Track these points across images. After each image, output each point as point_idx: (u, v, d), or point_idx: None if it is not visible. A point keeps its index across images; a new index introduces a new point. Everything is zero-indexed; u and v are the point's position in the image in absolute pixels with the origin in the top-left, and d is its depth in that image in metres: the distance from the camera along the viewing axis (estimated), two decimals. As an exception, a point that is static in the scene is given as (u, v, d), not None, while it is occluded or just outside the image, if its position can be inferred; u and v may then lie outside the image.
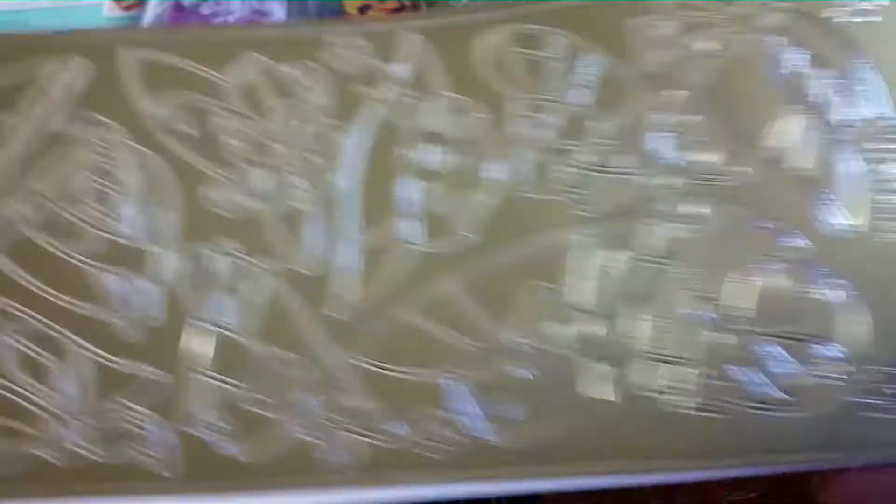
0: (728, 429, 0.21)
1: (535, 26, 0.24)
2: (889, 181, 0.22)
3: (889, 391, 0.21)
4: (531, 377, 0.21)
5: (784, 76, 0.24)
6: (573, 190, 0.23)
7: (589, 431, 0.21)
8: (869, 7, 0.24)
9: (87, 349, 0.22)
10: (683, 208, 0.22)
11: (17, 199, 0.23)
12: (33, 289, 0.22)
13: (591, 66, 0.24)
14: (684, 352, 0.21)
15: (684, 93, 0.23)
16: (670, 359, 0.21)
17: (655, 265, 0.22)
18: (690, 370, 0.21)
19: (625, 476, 0.21)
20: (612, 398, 0.21)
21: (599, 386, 0.21)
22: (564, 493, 0.26)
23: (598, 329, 0.21)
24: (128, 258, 0.23)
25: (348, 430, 0.21)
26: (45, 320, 0.22)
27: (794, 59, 0.24)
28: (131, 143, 0.24)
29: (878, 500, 0.21)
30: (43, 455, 0.21)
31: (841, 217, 0.22)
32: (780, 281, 0.22)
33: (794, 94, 0.23)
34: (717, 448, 0.21)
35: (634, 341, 0.21)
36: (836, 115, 0.23)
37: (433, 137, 0.23)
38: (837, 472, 0.22)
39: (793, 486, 0.24)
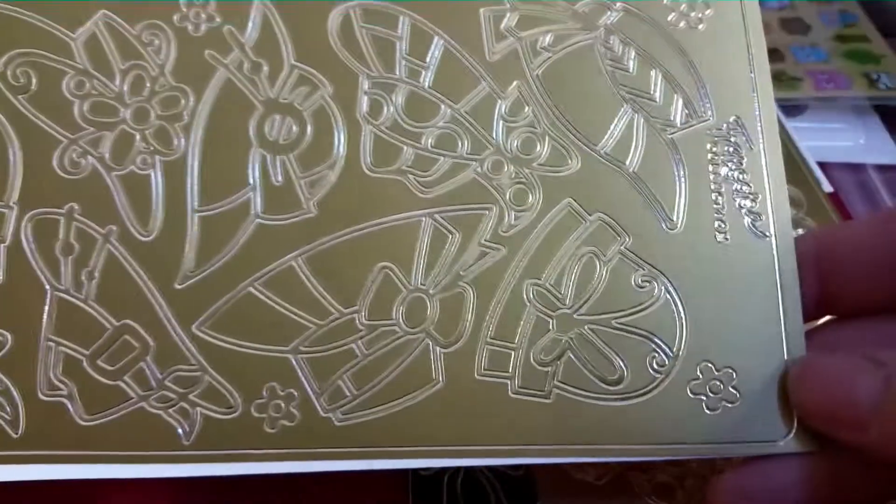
0: (549, 415, 0.22)
1: (386, 4, 0.25)
2: (708, 182, 0.24)
3: (707, 386, 0.23)
4: (361, 354, 0.22)
5: (612, 73, 0.25)
6: (412, 171, 0.24)
7: (412, 412, 0.22)
8: (695, 15, 0.26)
9: None
10: (512, 196, 0.24)
11: None
12: None
13: (436, 49, 0.25)
14: (506, 335, 0.23)
15: (517, 83, 0.25)
16: (492, 341, 0.23)
17: (484, 248, 0.23)
18: (512, 353, 0.23)
19: (439, 459, 0.22)
20: (436, 378, 0.22)
21: (424, 365, 0.22)
22: (566, 491, 0.27)
23: (427, 309, 0.23)
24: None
25: (184, 401, 0.22)
26: None
27: (622, 57, 0.25)
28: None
29: (763, 499, 0.22)
30: None
31: (660, 213, 0.24)
32: (599, 270, 0.23)
33: (620, 92, 0.25)
34: (535, 434, 0.22)
35: (460, 322, 0.23)
36: (660, 116, 0.25)
37: (278, 107, 0.24)
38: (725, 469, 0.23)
39: None
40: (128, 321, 0.22)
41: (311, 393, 0.22)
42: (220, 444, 0.22)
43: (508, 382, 0.22)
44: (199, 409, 0.22)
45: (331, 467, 0.22)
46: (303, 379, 0.22)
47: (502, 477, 0.34)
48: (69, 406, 0.22)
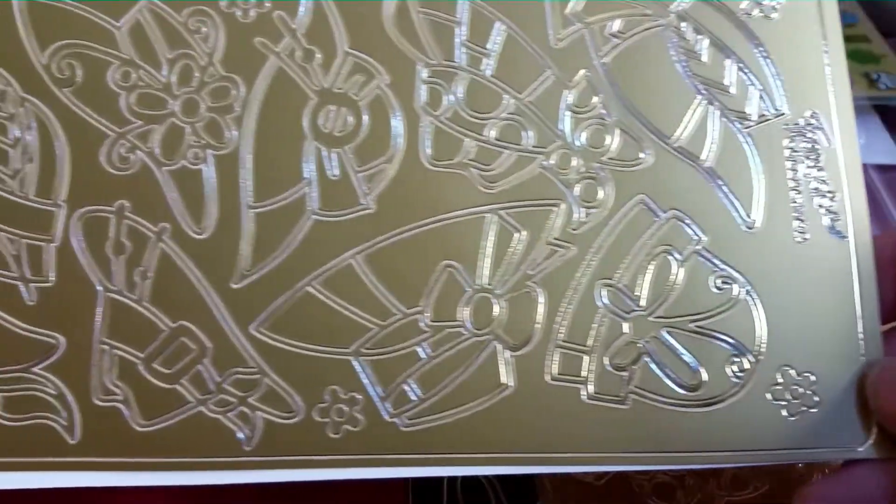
0: (624, 420, 0.22)
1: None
2: (785, 179, 0.23)
3: (788, 391, 0.22)
4: (426, 357, 0.22)
5: (684, 62, 0.24)
6: (474, 164, 0.23)
7: (481, 418, 0.21)
8: (769, 3, 0.24)
9: None
10: (582, 191, 0.23)
11: None
12: None
13: (497, 35, 0.23)
14: (578, 338, 0.22)
15: (584, 72, 0.23)
16: (564, 344, 0.22)
17: (552, 247, 0.22)
18: (585, 357, 0.22)
19: (516, 466, 0.21)
20: (506, 381, 0.22)
21: (493, 368, 0.22)
22: (566, 491, 0.27)
23: (494, 309, 0.22)
24: (20, 217, 0.21)
25: (244, 405, 0.21)
26: None
27: (695, 46, 0.24)
28: (25, 95, 0.22)
29: None
30: None
31: (737, 212, 0.23)
32: (675, 270, 0.22)
33: (693, 83, 0.24)
34: (611, 440, 0.21)
35: (530, 324, 0.22)
36: (734, 109, 0.24)
37: (333, 97, 0.23)
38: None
39: (795, 486, 0.25)
40: (184, 322, 0.21)
41: (375, 397, 0.21)
42: (282, 449, 0.21)
43: (581, 387, 0.22)
44: (259, 413, 0.21)
45: (398, 474, 0.21)
46: (366, 382, 0.21)
47: (502, 477, 0.34)
48: (125, 411, 0.21)
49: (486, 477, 0.34)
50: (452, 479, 0.33)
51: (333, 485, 0.34)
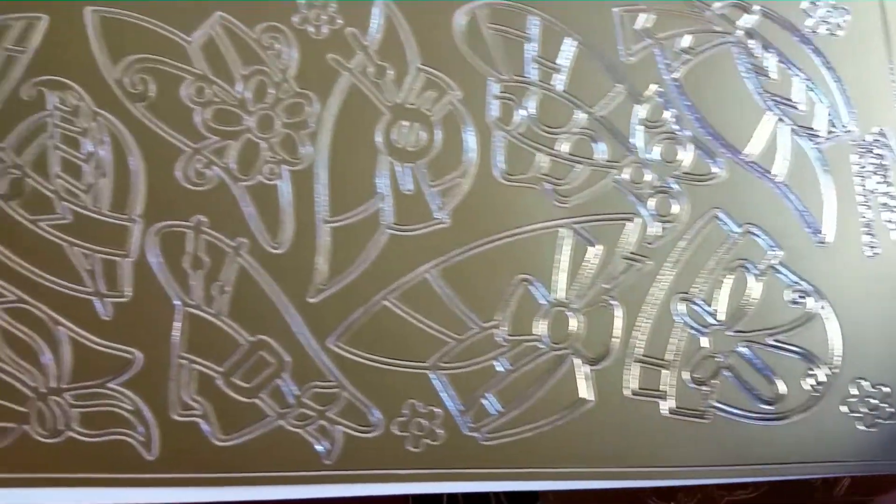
0: (704, 434, 0.22)
1: (514, 3, 0.24)
2: (854, 194, 0.24)
3: (863, 403, 0.22)
4: (504, 370, 0.22)
5: (754, 78, 0.24)
6: (548, 178, 0.23)
7: (562, 432, 0.21)
8: (834, 20, 0.25)
9: (65, 326, 0.21)
10: (656, 205, 0.23)
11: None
12: (10, 263, 0.21)
13: (568, 50, 0.24)
14: (657, 352, 0.22)
15: (655, 87, 0.24)
16: (643, 358, 0.22)
17: (628, 261, 0.23)
18: (664, 371, 0.22)
19: (597, 481, 0.21)
20: (585, 396, 0.22)
21: (571, 382, 0.22)
22: (562, 491, 0.27)
23: (570, 323, 0.22)
24: (94, 232, 0.21)
25: (323, 419, 0.21)
26: (24, 296, 0.21)
27: (763, 62, 0.24)
28: (97, 109, 0.22)
29: None
30: (29, 431, 0.20)
31: (809, 227, 0.23)
32: (751, 285, 0.23)
33: (763, 99, 0.24)
34: (691, 453, 0.22)
35: (607, 338, 0.22)
36: (803, 125, 0.24)
37: (406, 113, 0.23)
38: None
39: (791, 487, 0.25)
40: (262, 336, 0.21)
41: (454, 411, 0.21)
42: (362, 463, 0.21)
43: (660, 402, 0.22)
44: (338, 427, 0.21)
45: (479, 488, 0.21)
46: (444, 396, 0.21)
47: None
48: (204, 426, 0.21)
49: None
50: None
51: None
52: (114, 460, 0.21)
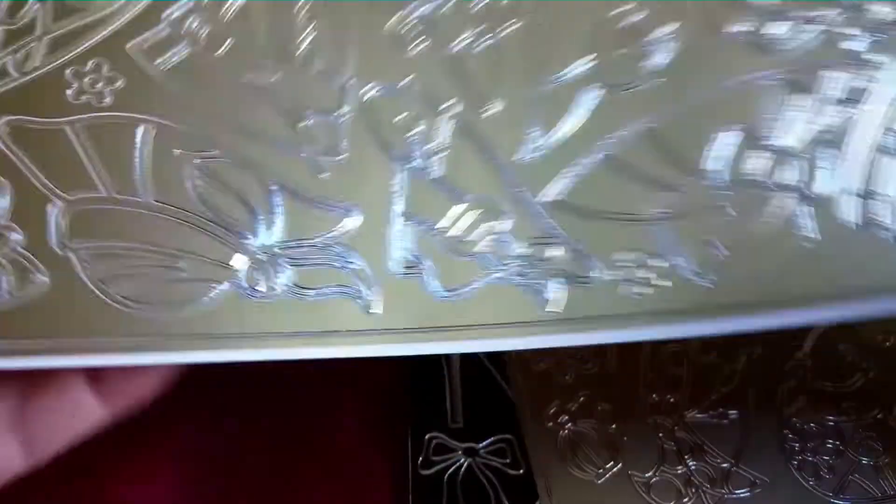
0: None
1: None
2: None
3: None
4: (733, 214, 0.21)
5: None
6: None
7: (791, 269, 0.21)
8: None
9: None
10: (867, 55, 0.22)
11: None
12: None
13: None
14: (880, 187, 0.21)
15: None
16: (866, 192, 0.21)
17: (839, 110, 0.22)
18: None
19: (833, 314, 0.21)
20: (811, 234, 0.21)
21: (797, 222, 0.21)
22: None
23: (793, 170, 0.21)
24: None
25: (545, 271, 0.21)
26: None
27: None
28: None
29: None
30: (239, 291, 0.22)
31: None
32: None
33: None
34: None
35: (829, 176, 0.21)
36: None
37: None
38: None
39: None
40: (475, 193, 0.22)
41: (677, 259, 0.21)
42: (591, 310, 0.21)
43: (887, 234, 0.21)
44: (559, 279, 0.21)
45: (710, 330, 0.21)
46: (674, 242, 0.21)
47: (502, 476, 0.33)
48: (428, 280, 0.21)
49: (486, 476, 0.34)
50: (453, 479, 0.34)
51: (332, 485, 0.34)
52: (335, 317, 0.21)
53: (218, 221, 0.22)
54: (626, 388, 0.35)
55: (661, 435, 0.33)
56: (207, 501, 0.35)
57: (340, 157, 0.22)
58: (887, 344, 0.36)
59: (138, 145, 0.22)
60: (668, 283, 0.21)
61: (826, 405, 0.34)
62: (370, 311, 0.21)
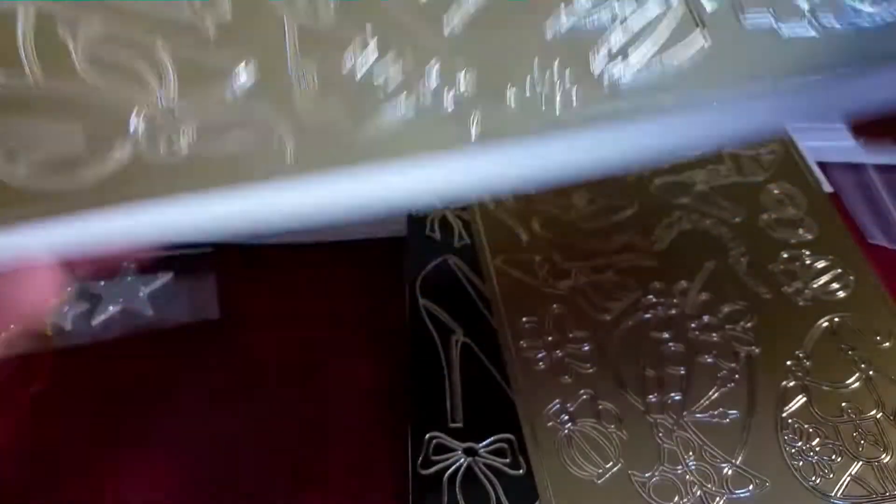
0: None
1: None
2: None
3: None
4: None
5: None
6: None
7: None
8: None
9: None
10: None
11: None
12: None
13: None
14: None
15: None
16: None
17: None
18: None
19: None
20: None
21: None
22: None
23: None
24: None
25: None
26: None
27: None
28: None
29: None
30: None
31: None
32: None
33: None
34: None
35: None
36: None
37: None
38: None
39: None
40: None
41: None
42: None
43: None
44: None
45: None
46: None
47: (502, 476, 0.34)
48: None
49: (486, 476, 0.34)
50: (452, 479, 0.34)
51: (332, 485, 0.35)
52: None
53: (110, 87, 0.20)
54: (626, 388, 0.35)
55: (660, 435, 0.33)
56: (207, 501, 0.35)
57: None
58: (887, 344, 0.36)
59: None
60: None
61: (826, 405, 0.34)
62: (284, 157, 0.20)
